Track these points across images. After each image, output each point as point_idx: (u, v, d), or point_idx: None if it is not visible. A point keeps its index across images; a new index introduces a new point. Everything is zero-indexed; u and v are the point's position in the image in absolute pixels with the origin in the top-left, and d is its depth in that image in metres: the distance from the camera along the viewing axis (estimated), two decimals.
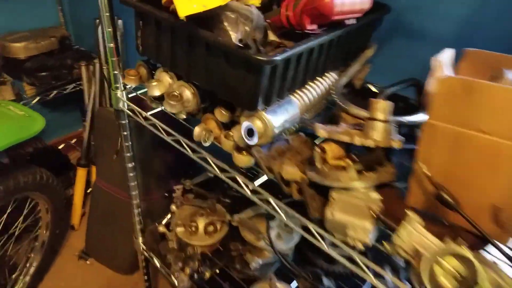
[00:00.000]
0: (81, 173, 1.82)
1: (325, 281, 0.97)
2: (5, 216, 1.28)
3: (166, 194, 1.39)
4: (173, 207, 1.26)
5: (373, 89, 0.92)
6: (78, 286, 1.69)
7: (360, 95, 0.89)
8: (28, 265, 1.56)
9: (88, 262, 1.77)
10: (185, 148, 0.80)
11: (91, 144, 1.80)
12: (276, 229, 1.05)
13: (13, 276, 1.49)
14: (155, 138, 1.11)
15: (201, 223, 1.18)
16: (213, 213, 1.19)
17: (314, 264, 1.02)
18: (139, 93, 0.95)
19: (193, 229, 1.18)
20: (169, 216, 1.30)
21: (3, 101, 1.29)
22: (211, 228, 1.18)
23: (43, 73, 1.63)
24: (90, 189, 1.87)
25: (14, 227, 1.39)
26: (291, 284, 1.06)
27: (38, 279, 1.63)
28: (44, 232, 1.55)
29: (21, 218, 1.39)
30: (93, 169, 1.83)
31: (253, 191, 0.73)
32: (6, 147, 1.11)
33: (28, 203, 1.40)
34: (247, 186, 0.73)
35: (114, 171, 1.57)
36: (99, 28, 1.58)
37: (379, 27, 0.94)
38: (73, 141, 2.16)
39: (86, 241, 1.78)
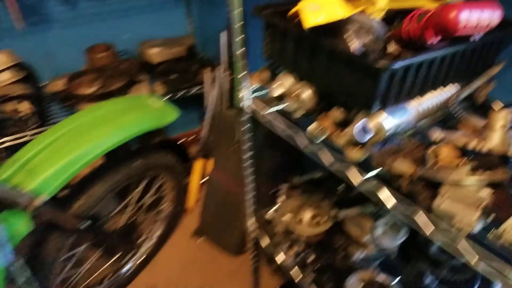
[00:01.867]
0: (198, 164, 2.01)
1: (428, 279, 0.96)
2: (140, 188, 1.52)
3: (272, 191, 1.47)
4: (280, 200, 1.34)
5: (497, 106, 0.89)
6: (189, 259, 1.87)
7: (481, 111, 0.87)
8: (151, 234, 1.79)
9: (199, 240, 1.95)
10: (296, 143, 0.87)
11: (208, 140, 1.98)
12: (382, 227, 1.07)
13: (139, 241, 1.74)
14: (267, 138, 1.20)
15: (307, 215, 1.24)
16: (319, 208, 1.25)
17: (418, 264, 1.02)
18: (256, 95, 1.04)
19: (299, 219, 1.25)
20: (275, 207, 1.38)
21: (146, 94, 1.51)
22: (315, 221, 1.23)
23: (173, 76, 1.84)
24: (203, 179, 2.06)
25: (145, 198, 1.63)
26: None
27: (157, 248, 1.85)
28: (168, 206, 1.76)
29: (150, 193, 1.62)
30: (208, 162, 2.01)
31: (361, 184, 0.77)
32: (146, 131, 1.30)
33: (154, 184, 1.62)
34: (356, 178, 0.77)
35: (228, 164, 1.72)
36: (222, 38, 1.73)
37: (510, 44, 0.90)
38: (191, 138, 2.38)
39: (199, 223, 1.97)
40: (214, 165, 1.85)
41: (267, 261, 1.79)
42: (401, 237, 1.04)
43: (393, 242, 1.04)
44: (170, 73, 1.84)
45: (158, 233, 1.84)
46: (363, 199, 1.11)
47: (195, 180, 2.03)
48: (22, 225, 1.04)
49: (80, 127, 1.22)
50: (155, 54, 1.83)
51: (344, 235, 1.15)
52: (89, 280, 1.64)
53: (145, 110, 1.35)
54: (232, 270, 1.82)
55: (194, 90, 1.90)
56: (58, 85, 1.75)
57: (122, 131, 1.24)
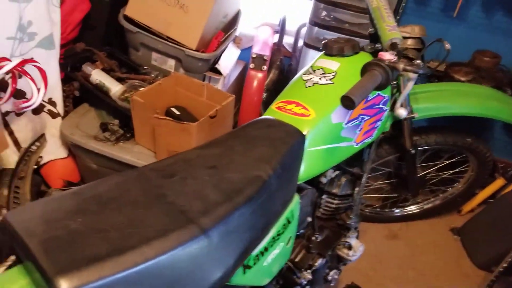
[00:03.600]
0: (499, 182, 2.17)
1: None
2: (449, 161, 1.91)
3: None
4: None
5: None
6: (437, 242, 2.13)
7: None
8: (424, 202, 2.17)
9: (454, 237, 2.18)
10: None
11: None
12: None
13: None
14: None
15: None
16: None
17: None
18: None
19: None
20: None
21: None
22: None
23: None
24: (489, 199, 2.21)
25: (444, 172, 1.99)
26: None
27: (419, 216, 2.20)
28: (452, 191, 2.08)
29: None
30: (507, 186, 2.14)
31: None
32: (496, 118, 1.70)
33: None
34: None
35: None
36: None
37: None
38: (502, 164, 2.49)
39: (464, 224, 2.16)
40: None
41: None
42: None
43: None
44: None
45: (429, 205, 2.18)
46: None
47: (485, 193, 2.20)
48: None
49: (457, 91, 1.71)
50: None
51: None
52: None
53: (504, 104, 1.69)
54: (466, 273, 1.99)
55: None
56: (434, 65, 2.23)
57: (482, 108, 1.66)
